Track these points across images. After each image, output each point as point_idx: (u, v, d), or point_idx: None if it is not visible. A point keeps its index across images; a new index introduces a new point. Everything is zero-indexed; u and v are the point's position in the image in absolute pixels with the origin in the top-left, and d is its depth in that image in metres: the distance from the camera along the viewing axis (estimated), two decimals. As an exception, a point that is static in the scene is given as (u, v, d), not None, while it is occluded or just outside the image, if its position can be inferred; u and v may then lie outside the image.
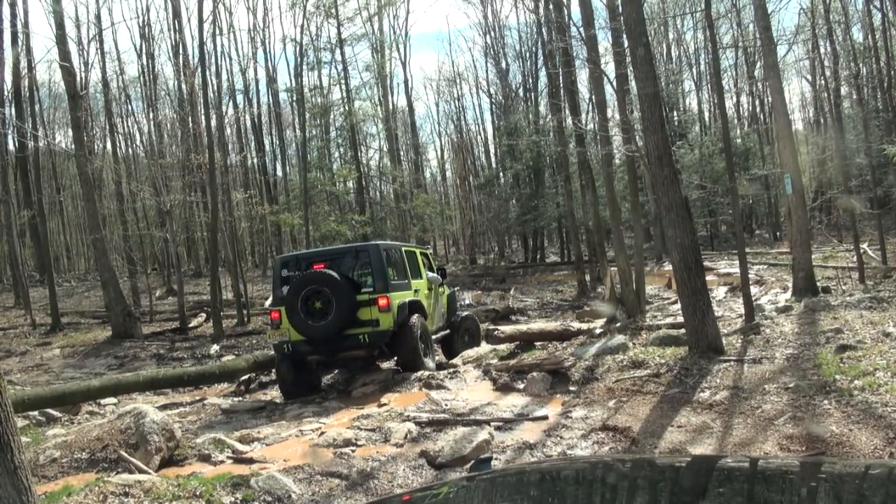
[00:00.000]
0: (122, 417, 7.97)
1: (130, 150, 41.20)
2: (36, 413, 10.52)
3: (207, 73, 33.09)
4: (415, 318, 11.44)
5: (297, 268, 11.64)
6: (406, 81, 45.99)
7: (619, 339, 10.63)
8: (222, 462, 7.56)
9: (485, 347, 12.65)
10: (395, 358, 11.82)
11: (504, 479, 2.53)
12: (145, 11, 36.73)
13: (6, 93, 31.19)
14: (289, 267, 11.78)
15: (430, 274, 13.19)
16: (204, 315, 23.48)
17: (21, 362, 17.20)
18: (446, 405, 9.04)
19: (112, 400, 12.02)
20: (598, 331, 12.21)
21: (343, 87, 35.34)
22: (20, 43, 27.91)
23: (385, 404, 9.57)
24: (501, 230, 43.15)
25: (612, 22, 14.51)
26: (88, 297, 31.07)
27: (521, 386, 9.65)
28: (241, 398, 12.38)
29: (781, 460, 3.94)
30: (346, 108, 35.00)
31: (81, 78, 32.02)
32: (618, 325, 12.82)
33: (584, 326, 13.51)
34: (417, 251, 13.39)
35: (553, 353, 10.79)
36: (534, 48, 41.46)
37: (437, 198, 51.19)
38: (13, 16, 25.14)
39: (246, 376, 13.42)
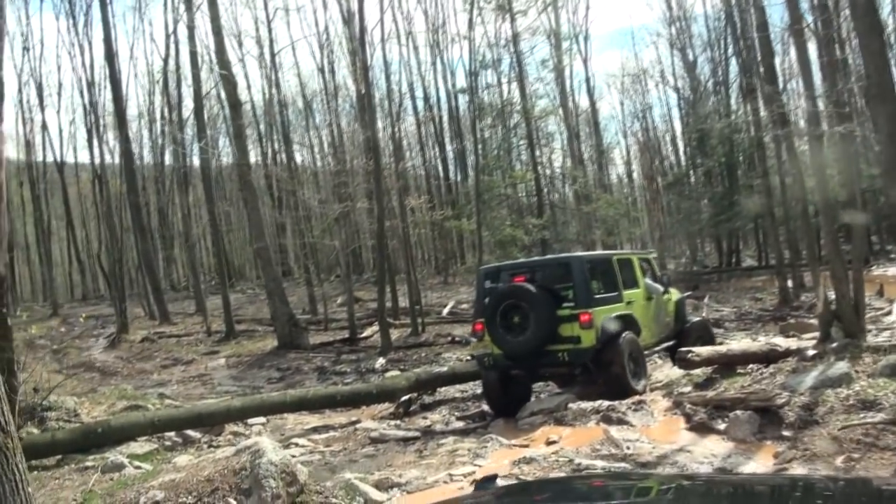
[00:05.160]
0: (240, 454, 6.79)
1: (313, 159, 42.02)
2: (172, 434, 9.72)
3: (381, 78, 33.03)
4: (624, 335, 10.10)
5: (499, 279, 11.08)
6: (588, 80, 43.80)
7: (841, 366, 8.33)
8: (350, 514, 6.23)
9: (676, 371, 10.68)
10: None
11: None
12: (324, 30, 37.82)
13: (185, 111, 32.45)
14: (491, 278, 11.25)
15: (649, 282, 11.71)
16: (378, 324, 22.74)
17: (185, 371, 17.11)
18: (628, 448, 7.24)
19: (260, 420, 11.15)
20: (810, 352, 9.86)
21: (518, 85, 34.02)
22: (200, 62, 28.60)
23: (554, 442, 7.94)
24: (692, 232, 40.12)
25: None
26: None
27: (722, 427, 7.68)
28: (398, 421, 11.32)
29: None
30: (523, 106, 33.57)
31: (265, 93, 32.89)
32: (833, 345, 10.38)
33: (793, 345, 11.10)
34: (634, 258, 11.99)
35: (760, 383, 8.72)
36: (723, 34, 38.20)
37: (624, 199, 48.76)
38: (191, 37, 25.50)
39: (406, 396, 12.18)
